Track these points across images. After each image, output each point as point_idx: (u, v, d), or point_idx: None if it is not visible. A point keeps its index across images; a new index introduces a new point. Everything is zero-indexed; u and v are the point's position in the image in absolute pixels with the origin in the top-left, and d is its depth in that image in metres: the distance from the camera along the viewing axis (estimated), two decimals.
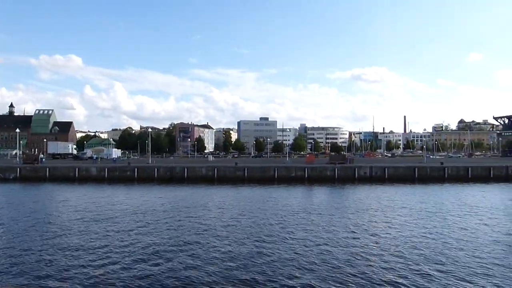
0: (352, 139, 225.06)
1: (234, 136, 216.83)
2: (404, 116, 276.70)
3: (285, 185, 48.17)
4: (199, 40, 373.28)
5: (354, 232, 21.63)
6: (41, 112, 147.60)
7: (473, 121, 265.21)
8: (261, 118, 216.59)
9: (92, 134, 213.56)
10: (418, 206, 31.06)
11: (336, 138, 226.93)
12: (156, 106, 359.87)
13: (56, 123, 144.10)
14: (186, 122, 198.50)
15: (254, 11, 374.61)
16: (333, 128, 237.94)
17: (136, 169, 55.45)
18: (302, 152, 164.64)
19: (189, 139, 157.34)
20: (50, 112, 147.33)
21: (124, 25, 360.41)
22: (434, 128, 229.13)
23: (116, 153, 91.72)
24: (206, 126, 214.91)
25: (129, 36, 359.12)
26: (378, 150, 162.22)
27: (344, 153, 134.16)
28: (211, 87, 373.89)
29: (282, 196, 38.28)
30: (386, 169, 54.21)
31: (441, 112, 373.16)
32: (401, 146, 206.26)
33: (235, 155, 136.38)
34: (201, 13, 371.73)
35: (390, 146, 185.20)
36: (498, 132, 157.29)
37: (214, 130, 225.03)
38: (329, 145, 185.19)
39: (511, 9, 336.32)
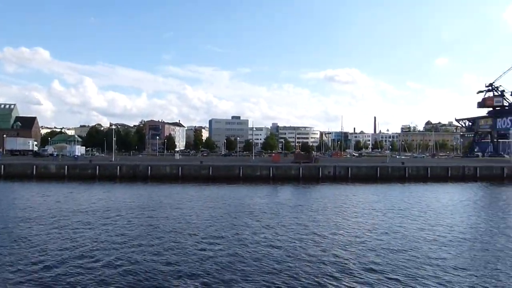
0: (323, 139, 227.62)
1: (206, 135, 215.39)
2: (374, 117, 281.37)
3: (249, 184, 48.18)
4: (172, 37, 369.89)
5: (304, 230, 21.85)
6: (2, 106, 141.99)
7: (439, 123, 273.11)
8: (233, 117, 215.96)
9: (58, 130, 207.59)
10: (374, 205, 31.67)
11: (307, 138, 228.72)
12: (128, 102, 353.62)
13: (18, 118, 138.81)
14: (157, 120, 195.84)
15: (228, 10, 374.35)
16: (305, 128, 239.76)
17: (97, 166, 54.18)
18: (273, 151, 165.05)
19: (158, 137, 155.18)
20: (12, 106, 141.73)
21: (95, 20, 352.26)
22: (402, 129, 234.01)
23: (79, 150, 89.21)
24: (177, 124, 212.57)
25: (101, 31, 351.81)
26: (347, 150, 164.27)
27: (314, 152, 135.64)
28: (185, 84, 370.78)
29: (242, 195, 38.27)
30: (349, 169, 54.96)
31: (410, 113, 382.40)
32: (370, 146, 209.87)
33: (205, 154, 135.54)
34: (175, 10, 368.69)
35: (359, 146, 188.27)
36: (461, 133, 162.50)
37: (186, 128, 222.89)
38: (299, 144, 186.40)
39: (476, 16, 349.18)
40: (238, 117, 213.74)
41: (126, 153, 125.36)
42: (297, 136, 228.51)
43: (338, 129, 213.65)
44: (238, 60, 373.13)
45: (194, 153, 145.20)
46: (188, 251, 17.36)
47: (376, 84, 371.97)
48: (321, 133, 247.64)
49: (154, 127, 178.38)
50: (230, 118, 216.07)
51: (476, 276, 14.49)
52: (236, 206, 30.35)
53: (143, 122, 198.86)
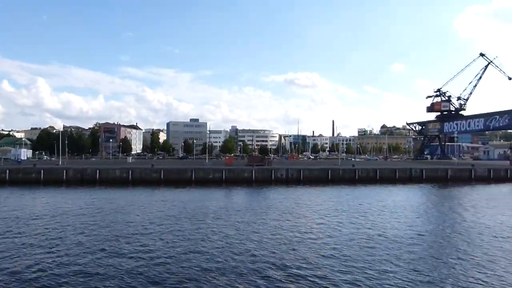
0: (282, 142, 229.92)
1: (164, 138, 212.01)
2: (333, 121, 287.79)
3: (202, 187, 47.71)
4: (131, 37, 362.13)
5: (248, 232, 21.73)
6: None
7: (393, 126, 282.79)
8: (191, 120, 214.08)
9: (6, 133, 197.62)
10: (322, 206, 32.07)
11: (266, 141, 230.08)
12: (84, 104, 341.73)
13: None
14: (113, 122, 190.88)
15: (190, 11, 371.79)
16: (264, 131, 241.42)
17: (42, 171, 51.89)
18: (232, 154, 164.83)
19: (113, 140, 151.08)
20: None
21: (48, 18, 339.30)
22: (358, 132, 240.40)
23: (25, 153, 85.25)
24: (134, 127, 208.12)
25: (54, 30, 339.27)
26: (305, 153, 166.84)
27: (272, 155, 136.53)
28: (144, 86, 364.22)
29: (190, 198, 37.77)
30: (301, 171, 55.54)
31: (368, 117, 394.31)
32: (327, 149, 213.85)
33: (160, 157, 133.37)
34: (133, 10, 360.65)
35: (316, 149, 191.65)
36: (413, 137, 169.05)
37: (143, 131, 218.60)
38: (258, 147, 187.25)
39: (429, 24, 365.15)
40: (197, 120, 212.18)
41: (78, 156, 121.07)
42: (256, 139, 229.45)
43: (299, 132, 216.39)
44: (199, 62, 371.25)
45: (151, 156, 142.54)
46: (124, 256, 16.78)
47: (335, 89, 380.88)
48: (280, 136, 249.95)
49: (109, 130, 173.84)
50: (188, 120, 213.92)
51: (417, 271, 14.86)
52: (180, 209, 29.84)
53: (97, 125, 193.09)
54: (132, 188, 46.49)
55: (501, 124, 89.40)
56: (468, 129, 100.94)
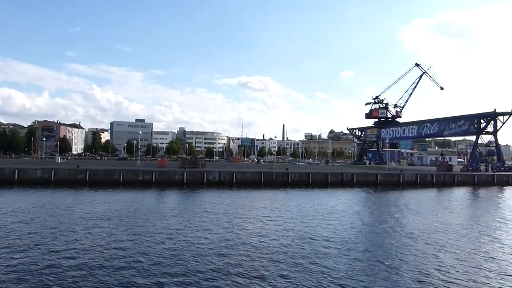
0: (230, 144, 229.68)
1: (108, 138, 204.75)
2: (283, 125, 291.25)
3: (130, 189, 46.07)
4: (79, 32, 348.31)
5: (160, 236, 20.87)
6: None
7: (341, 132, 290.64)
8: (137, 120, 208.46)
9: None
10: (246, 210, 31.72)
11: (214, 143, 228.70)
12: (26, 101, 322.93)
13: None
14: (52, 120, 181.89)
15: (142, 8, 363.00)
16: (212, 133, 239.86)
17: None
18: (178, 156, 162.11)
19: (44, 139, 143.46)
20: None
21: None
22: (305, 136, 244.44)
23: None
24: (76, 126, 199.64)
25: None
26: (251, 156, 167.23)
27: (216, 157, 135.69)
28: (92, 84, 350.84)
29: (114, 199, 36.17)
30: (234, 174, 55.18)
31: (318, 122, 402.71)
32: (274, 153, 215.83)
33: (98, 157, 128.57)
34: (82, 4, 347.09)
35: (262, 152, 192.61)
36: (357, 142, 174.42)
37: (85, 130, 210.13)
38: (205, 149, 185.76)
39: (377, 34, 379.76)
40: (142, 120, 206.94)
41: (8, 155, 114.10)
42: (204, 141, 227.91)
43: (251, 135, 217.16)
44: (151, 62, 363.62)
45: (90, 157, 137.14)
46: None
47: (288, 93, 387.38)
48: (229, 139, 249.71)
49: (48, 128, 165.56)
50: (133, 121, 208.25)
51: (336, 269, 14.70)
52: (100, 212, 28.39)
53: (36, 123, 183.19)
54: (53, 190, 43.95)
55: (431, 132, 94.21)
56: (403, 135, 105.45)
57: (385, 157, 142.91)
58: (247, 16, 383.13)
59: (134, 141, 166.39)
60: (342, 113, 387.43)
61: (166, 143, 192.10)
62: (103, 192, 42.43)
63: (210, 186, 51.49)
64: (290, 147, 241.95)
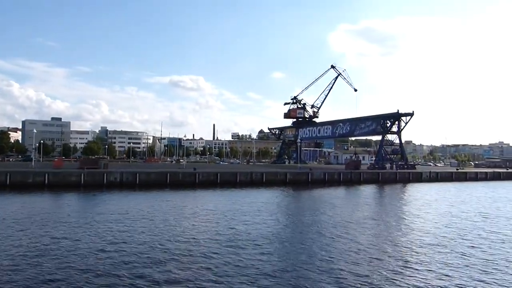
0: (156, 144, 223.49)
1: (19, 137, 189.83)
2: (214, 124, 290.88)
3: (17, 192, 42.19)
4: None
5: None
6: None
7: (269, 132, 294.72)
8: (52, 118, 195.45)
9: None
10: (142, 212, 29.97)
11: (139, 143, 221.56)
12: None
13: None
14: None
15: (62, 2, 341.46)
16: (137, 132, 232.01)
17: None
18: (96, 156, 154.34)
19: None
20: None
21: None
22: (232, 136, 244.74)
23: None
24: None
25: None
26: (174, 157, 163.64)
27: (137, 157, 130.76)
28: (9, 80, 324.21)
29: None
30: (137, 175, 52.91)
31: (250, 122, 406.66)
32: (200, 152, 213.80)
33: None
34: None
35: (187, 152, 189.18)
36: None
37: None
38: (125, 149, 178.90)
39: (307, 38, 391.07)
40: (59, 119, 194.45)
41: None
42: (128, 141, 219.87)
43: (183, 135, 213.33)
44: (75, 58, 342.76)
45: None
46: None
47: (220, 93, 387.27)
48: (154, 138, 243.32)
49: None
50: (49, 119, 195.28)
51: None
52: None
53: None
54: None
55: (344, 131, 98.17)
56: (318, 135, 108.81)
57: (307, 156, 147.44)
58: (175, 14, 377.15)
59: (50, 141, 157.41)
60: (274, 114, 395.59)
61: (85, 143, 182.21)
62: None
63: (111, 188, 48.77)
64: (216, 147, 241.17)
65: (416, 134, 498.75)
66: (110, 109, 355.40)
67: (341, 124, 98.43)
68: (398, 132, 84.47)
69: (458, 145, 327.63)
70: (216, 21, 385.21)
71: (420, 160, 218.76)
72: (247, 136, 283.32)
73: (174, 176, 55.35)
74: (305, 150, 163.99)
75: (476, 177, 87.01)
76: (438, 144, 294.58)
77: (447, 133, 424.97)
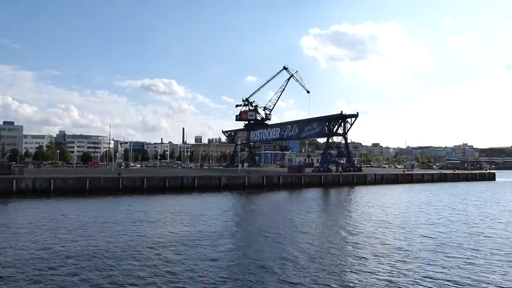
0: (118, 149, 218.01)
1: None
2: (183, 128, 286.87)
3: None
4: None
5: None
6: None
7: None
8: (4, 122, 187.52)
9: None
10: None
11: (99, 147, 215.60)
12: None
13: None
14: None
15: (29, 2, 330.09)
16: (97, 136, 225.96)
17: None
18: (52, 162, 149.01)
19: None
20: None
21: None
22: (195, 139, 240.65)
23: None
24: None
25: None
26: (118, 160, 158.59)
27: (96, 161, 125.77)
28: None
29: None
30: (52, 181, 49.55)
31: (224, 125, 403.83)
32: (159, 156, 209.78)
33: None
34: None
35: (145, 156, 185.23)
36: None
37: None
38: (81, 154, 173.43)
39: (279, 42, 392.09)
40: (11, 123, 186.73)
41: None
42: (88, 145, 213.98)
43: (155, 139, 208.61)
44: (43, 60, 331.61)
45: None
46: None
47: (194, 97, 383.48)
48: (116, 142, 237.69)
49: None
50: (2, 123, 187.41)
51: None
52: None
53: None
54: None
55: (292, 134, 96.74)
56: (268, 137, 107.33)
57: (269, 160, 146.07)
58: (146, 17, 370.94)
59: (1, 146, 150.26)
60: None
61: (37, 148, 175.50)
62: None
63: (21, 195, 45.33)
64: (184, 151, 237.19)
65: (384, 137, 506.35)
66: (80, 113, 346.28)
67: (289, 126, 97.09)
68: (344, 134, 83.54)
69: (423, 147, 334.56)
70: (189, 24, 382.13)
71: (385, 163, 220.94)
72: (216, 140, 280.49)
73: (94, 181, 52.17)
74: (267, 153, 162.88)
75: (422, 179, 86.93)
76: (404, 146, 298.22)
77: (414, 135, 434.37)
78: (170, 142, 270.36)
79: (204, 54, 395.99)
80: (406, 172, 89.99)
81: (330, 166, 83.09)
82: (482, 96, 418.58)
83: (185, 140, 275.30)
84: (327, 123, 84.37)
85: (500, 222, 31.06)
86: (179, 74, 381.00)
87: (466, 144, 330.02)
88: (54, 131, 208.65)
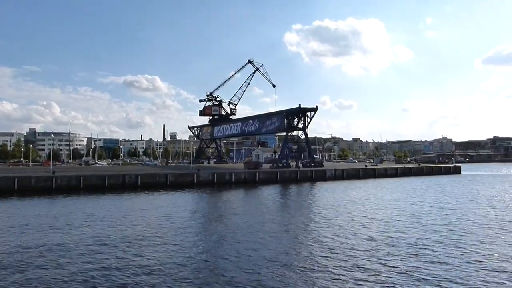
0: (91, 146, 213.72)
1: None
2: (164, 125, 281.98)
3: None
4: None
5: None
6: None
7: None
8: None
9: None
10: None
11: (72, 145, 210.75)
12: None
13: None
14: None
15: None
16: (70, 134, 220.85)
17: None
18: (15, 160, 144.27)
19: None
20: None
21: None
22: (170, 136, 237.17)
23: None
24: None
25: None
26: (85, 158, 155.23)
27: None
28: None
29: None
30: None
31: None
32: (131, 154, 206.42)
33: None
34: None
35: (116, 153, 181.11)
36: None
37: None
38: (51, 152, 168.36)
39: (262, 38, 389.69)
40: None
41: None
42: (59, 142, 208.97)
43: (138, 136, 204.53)
44: (23, 56, 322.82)
45: None
46: None
47: (178, 93, 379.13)
48: (90, 139, 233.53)
49: None
50: None
51: None
52: None
53: None
54: None
55: (253, 129, 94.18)
56: (230, 133, 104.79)
57: (243, 156, 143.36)
58: (128, 12, 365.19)
59: None
60: None
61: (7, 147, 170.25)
62: None
63: None
64: (157, 147, 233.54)
65: (366, 131, 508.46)
66: (62, 110, 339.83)
67: (250, 121, 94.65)
68: (304, 128, 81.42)
69: (402, 142, 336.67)
70: (172, 20, 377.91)
71: (362, 158, 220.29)
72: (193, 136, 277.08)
73: (24, 181, 49.14)
74: (241, 149, 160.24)
75: (385, 173, 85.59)
76: (383, 141, 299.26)
77: (395, 130, 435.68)
78: (150, 139, 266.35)
79: (187, 50, 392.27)
80: (368, 167, 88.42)
81: (290, 161, 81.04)
82: (461, 90, 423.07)
83: (165, 137, 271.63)
84: (286, 118, 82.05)
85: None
86: (163, 70, 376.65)
87: (446, 138, 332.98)
88: (36, 129, 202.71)
